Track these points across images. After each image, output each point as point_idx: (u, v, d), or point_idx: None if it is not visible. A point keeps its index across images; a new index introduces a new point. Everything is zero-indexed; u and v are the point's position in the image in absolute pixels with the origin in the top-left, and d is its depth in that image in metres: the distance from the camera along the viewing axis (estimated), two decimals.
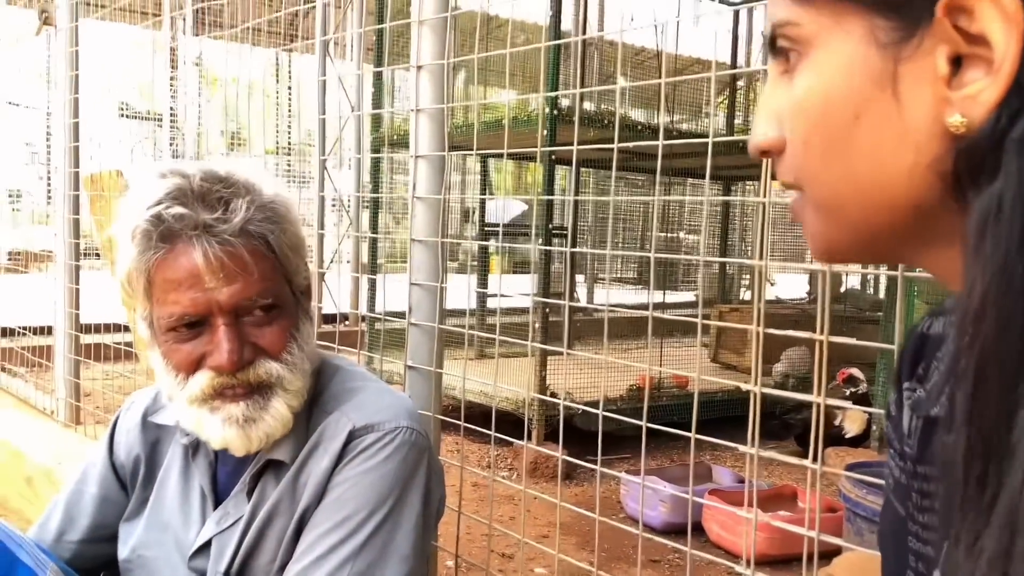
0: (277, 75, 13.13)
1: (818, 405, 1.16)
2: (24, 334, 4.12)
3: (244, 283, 1.10)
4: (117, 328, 3.30)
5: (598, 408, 1.55)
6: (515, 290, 5.98)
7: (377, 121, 4.93)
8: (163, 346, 1.15)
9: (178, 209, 1.09)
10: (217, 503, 1.25)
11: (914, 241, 0.51)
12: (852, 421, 3.97)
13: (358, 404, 1.21)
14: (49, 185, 11.49)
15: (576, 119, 1.76)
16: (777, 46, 0.52)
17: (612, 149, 1.62)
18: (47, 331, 3.75)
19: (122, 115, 11.63)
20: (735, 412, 4.46)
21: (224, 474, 1.27)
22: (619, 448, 3.93)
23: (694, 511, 3.00)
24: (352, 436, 1.16)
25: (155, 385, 1.38)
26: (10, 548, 1.28)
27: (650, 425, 1.36)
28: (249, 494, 1.21)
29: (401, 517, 1.16)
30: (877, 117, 0.47)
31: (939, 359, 0.62)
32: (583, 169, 5.81)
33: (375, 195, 4.95)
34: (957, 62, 0.45)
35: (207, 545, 1.22)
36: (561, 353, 4.10)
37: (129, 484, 1.36)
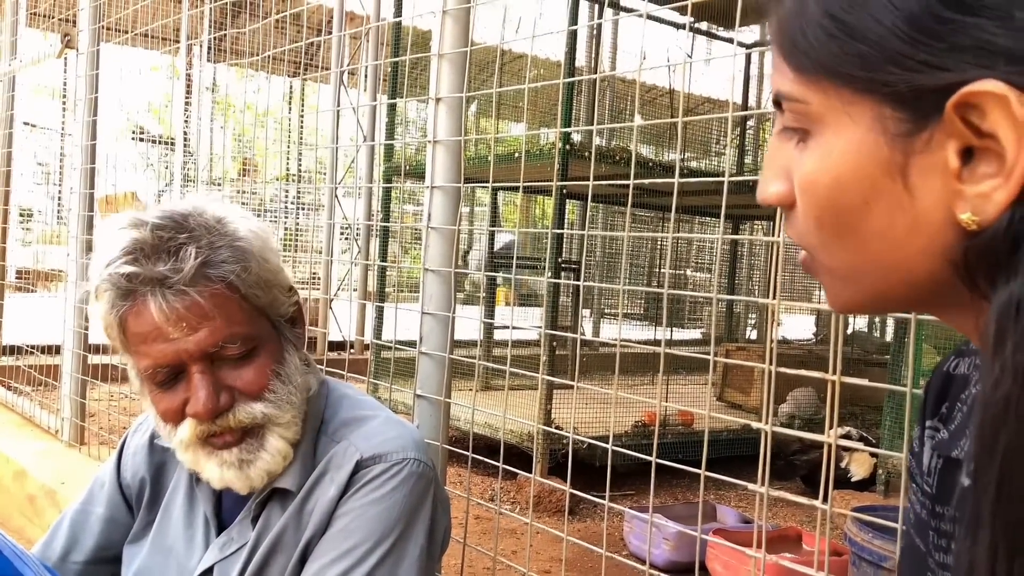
0: (291, 103, 13.28)
1: (829, 445, 1.16)
2: (31, 352, 4.13)
3: (209, 330, 1.09)
4: None
5: (603, 443, 1.55)
6: (521, 323, 5.99)
7: (389, 151, 4.98)
8: (149, 395, 1.16)
9: (128, 268, 1.07)
10: (221, 529, 1.24)
11: (931, 302, 0.52)
12: (858, 464, 3.94)
13: (366, 434, 1.20)
14: (60, 205, 11.58)
15: (592, 154, 1.78)
16: (783, 110, 0.53)
17: (625, 184, 1.63)
18: (54, 350, 3.76)
19: (135, 138, 11.74)
20: (740, 451, 4.44)
21: (229, 500, 1.27)
22: (621, 485, 3.91)
23: (696, 550, 2.98)
24: (359, 466, 1.16)
25: None
26: (16, 566, 1.28)
27: (660, 461, 1.35)
28: (254, 521, 1.21)
29: (406, 549, 1.15)
30: (888, 204, 0.48)
31: (963, 400, 0.62)
32: (592, 204, 5.84)
33: (386, 223, 4.97)
34: (967, 152, 0.45)
35: (209, 571, 1.22)
36: (568, 387, 4.11)
37: (135, 506, 1.35)
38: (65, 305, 3.32)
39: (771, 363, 1.19)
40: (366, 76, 8.21)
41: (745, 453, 4.27)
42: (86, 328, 3.31)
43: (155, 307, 1.07)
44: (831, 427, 1.12)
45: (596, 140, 4.44)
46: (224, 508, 1.27)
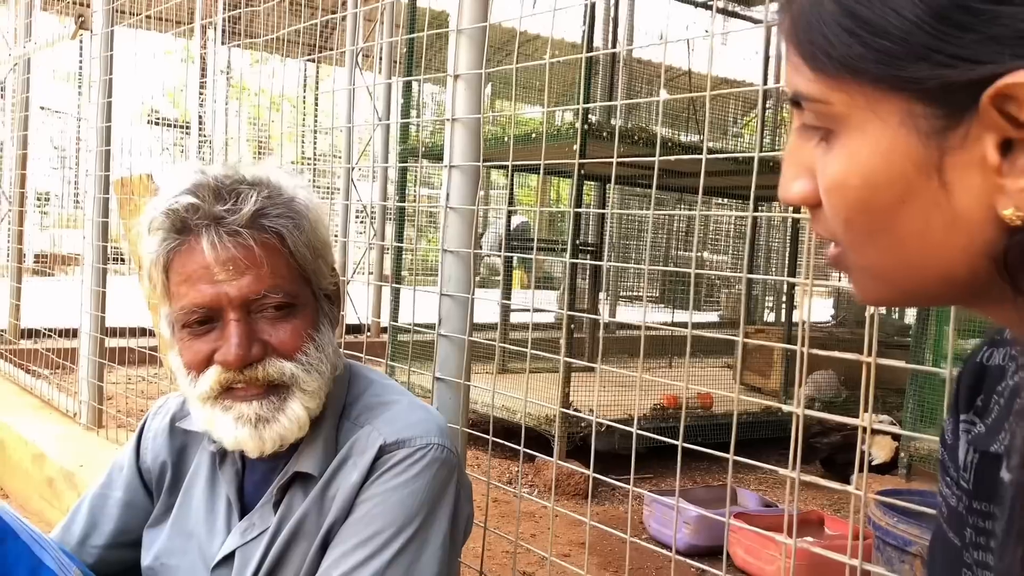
0: (305, 86, 13.24)
1: (863, 429, 1.12)
2: (49, 336, 4.13)
3: (254, 276, 1.09)
4: (142, 332, 3.30)
5: (623, 426, 1.52)
6: (537, 307, 5.95)
7: (405, 134, 4.94)
8: (179, 343, 1.14)
9: (189, 199, 1.09)
10: (243, 513, 1.23)
11: (968, 297, 0.51)
12: (880, 448, 3.90)
13: (390, 418, 1.19)
14: (76, 189, 11.63)
15: (616, 133, 1.73)
16: (802, 109, 0.50)
17: (646, 164, 1.60)
18: (72, 334, 3.76)
19: (151, 122, 11.75)
20: (759, 435, 4.40)
21: (251, 484, 1.25)
22: (639, 468, 3.85)
23: (717, 534, 2.95)
24: (382, 451, 1.14)
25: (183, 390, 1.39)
26: (34, 551, 1.27)
27: (687, 445, 1.32)
28: (276, 506, 1.19)
29: (429, 536, 1.13)
30: (924, 204, 0.46)
31: (999, 393, 0.61)
32: (607, 185, 5.79)
33: (402, 204, 4.94)
34: (1007, 144, 0.43)
35: (231, 556, 1.20)
36: (588, 370, 4.08)
37: (155, 489, 1.34)
38: (82, 288, 3.31)
39: (803, 344, 1.16)
40: (381, 58, 8.16)
41: (763, 436, 4.24)
42: (103, 312, 3.30)
43: (207, 244, 1.07)
44: (865, 410, 1.08)
45: (616, 120, 4.38)
46: (246, 492, 1.26)
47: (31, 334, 4.64)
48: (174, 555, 1.27)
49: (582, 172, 3.69)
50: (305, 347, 1.14)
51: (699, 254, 7.85)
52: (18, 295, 4.68)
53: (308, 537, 1.16)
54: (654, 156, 1.51)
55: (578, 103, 3.59)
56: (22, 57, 4.37)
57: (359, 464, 1.15)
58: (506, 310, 4.86)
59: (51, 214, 11.67)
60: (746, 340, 1.37)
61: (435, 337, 1.78)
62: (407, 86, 4.71)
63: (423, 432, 1.17)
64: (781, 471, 1.18)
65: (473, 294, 1.77)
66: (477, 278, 1.80)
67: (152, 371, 3.27)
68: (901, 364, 1.08)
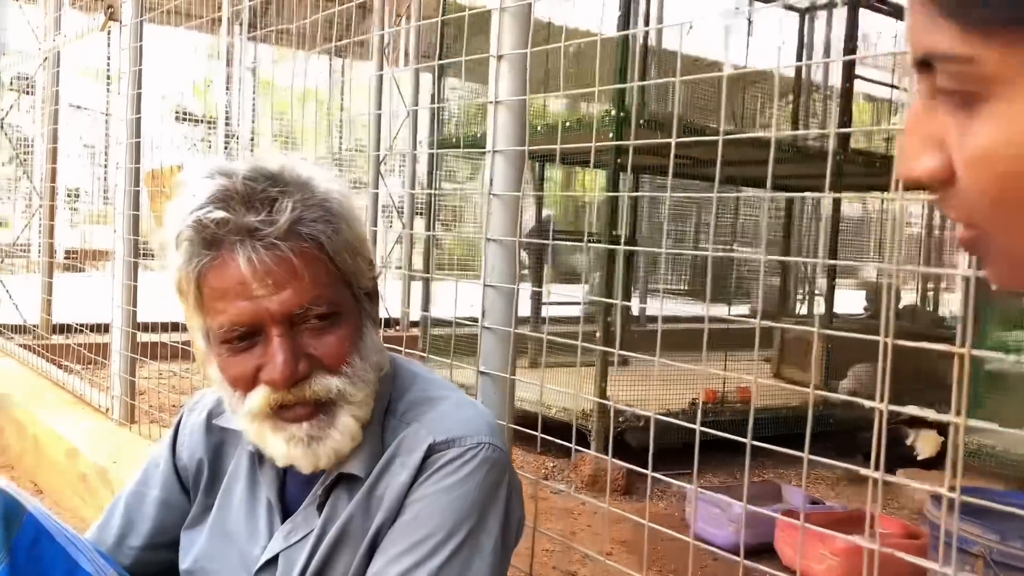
0: (331, 79, 13.21)
1: (955, 425, 1.04)
2: (81, 331, 4.12)
3: (295, 290, 1.02)
4: (174, 327, 3.26)
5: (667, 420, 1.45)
6: (562, 301, 5.88)
7: (438, 125, 4.87)
8: (218, 359, 1.08)
9: (219, 213, 1.00)
10: (285, 515, 1.17)
11: None
12: (925, 442, 3.79)
13: (438, 416, 1.12)
14: (106, 184, 11.68)
15: (674, 121, 1.64)
16: (931, 72, 0.43)
17: (675, 151, 1.52)
18: (103, 329, 3.74)
19: (178, 118, 11.80)
20: (799, 429, 4.29)
21: (293, 485, 1.20)
22: (675, 464, 3.78)
23: (763, 532, 2.86)
24: (431, 450, 1.08)
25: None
26: (70, 553, 1.22)
27: (755, 443, 1.25)
28: (320, 508, 1.13)
29: (480, 540, 1.07)
30: None
31: None
32: (631, 176, 5.69)
33: (431, 191, 4.88)
34: None
35: (274, 560, 1.15)
36: (622, 363, 4.00)
37: (191, 488, 1.29)
38: (113, 282, 3.28)
39: (887, 335, 1.08)
40: (406, 53, 8.11)
41: (802, 431, 4.12)
42: (134, 306, 3.27)
43: (243, 259, 0.99)
44: (958, 406, 1.00)
45: (650, 108, 4.28)
46: (288, 494, 1.20)
47: (63, 329, 4.63)
48: (214, 559, 1.22)
49: (618, 162, 3.61)
50: (351, 358, 1.08)
51: (728, 246, 7.73)
52: (49, 290, 4.67)
53: (354, 540, 1.11)
54: (684, 145, 1.44)
55: (612, 92, 3.50)
56: (52, 51, 4.36)
57: (407, 464, 1.09)
58: (537, 303, 4.79)
59: (81, 210, 11.74)
60: (825, 331, 1.29)
61: (479, 330, 1.72)
62: (439, 73, 4.64)
63: (473, 430, 1.11)
64: (863, 471, 1.10)
65: (518, 284, 1.70)
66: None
67: (184, 366, 3.23)
68: (998, 355, 1.00)
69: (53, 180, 4.86)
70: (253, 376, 1.04)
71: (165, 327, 3.27)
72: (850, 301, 10.44)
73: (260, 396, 1.04)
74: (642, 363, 3.72)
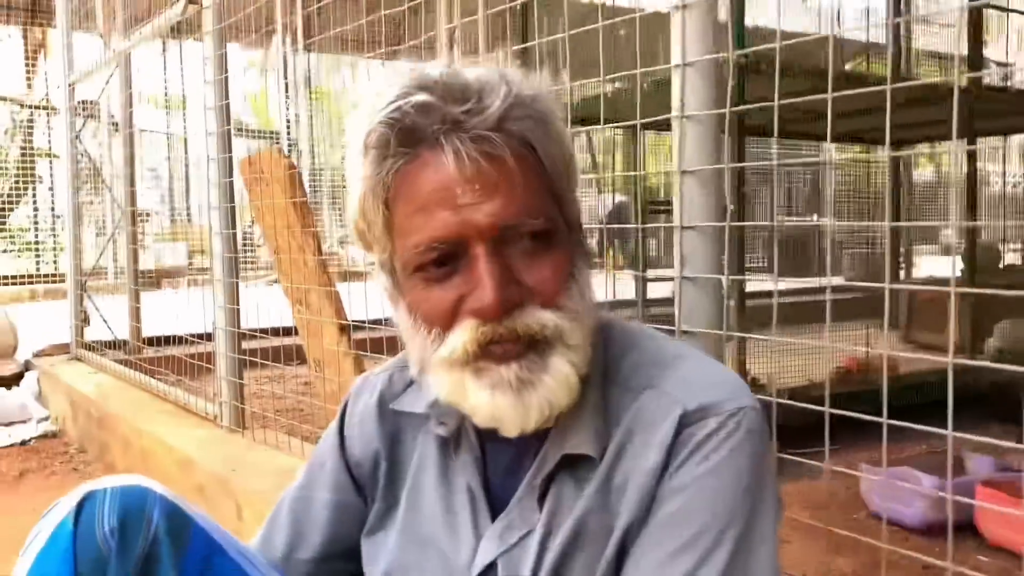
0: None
1: None
2: (187, 341, 3.95)
3: (507, 197, 0.82)
4: (274, 332, 3.05)
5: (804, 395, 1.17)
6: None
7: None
8: (410, 294, 0.86)
9: (422, 97, 0.82)
10: (493, 511, 0.93)
11: None
12: None
13: (680, 380, 0.88)
14: (173, 203, 11.74)
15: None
16: None
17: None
18: (198, 339, 3.59)
19: (238, 132, 11.78)
20: (935, 397, 3.94)
21: (496, 474, 0.95)
22: (822, 439, 3.48)
23: (962, 507, 2.52)
24: (684, 423, 0.85)
25: (390, 363, 1.08)
26: (247, 571, 1.01)
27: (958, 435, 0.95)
28: (540, 500, 0.89)
29: (761, 525, 0.84)
30: None
31: None
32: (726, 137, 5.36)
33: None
34: None
35: (491, 566, 0.91)
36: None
37: (367, 487, 1.06)
38: (214, 281, 3.09)
39: None
40: (481, 31, 7.85)
41: (940, 399, 3.78)
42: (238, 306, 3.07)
43: (450, 155, 0.81)
44: None
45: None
46: (492, 484, 0.95)
47: (156, 342, 4.50)
48: (409, 568, 0.98)
49: (742, 121, 3.29)
50: (568, 289, 0.85)
51: (809, 217, 7.32)
52: (137, 297, 4.56)
53: (594, 541, 0.86)
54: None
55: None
56: (122, 55, 4.21)
57: (652, 442, 0.85)
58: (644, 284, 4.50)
59: (149, 233, 11.80)
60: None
61: (676, 332, 1.45)
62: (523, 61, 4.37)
63: (730, 393, 0.87)
64: None
65: (727, 275, 1.42)
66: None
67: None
68: None
69: (133, 203, 4.74)
70: (454, 309, 0.84)
71: (265, 332, 3.05)
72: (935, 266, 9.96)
73: (465, 331, 0.83)
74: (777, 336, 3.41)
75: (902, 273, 8.01)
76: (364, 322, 2.35)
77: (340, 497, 1.07)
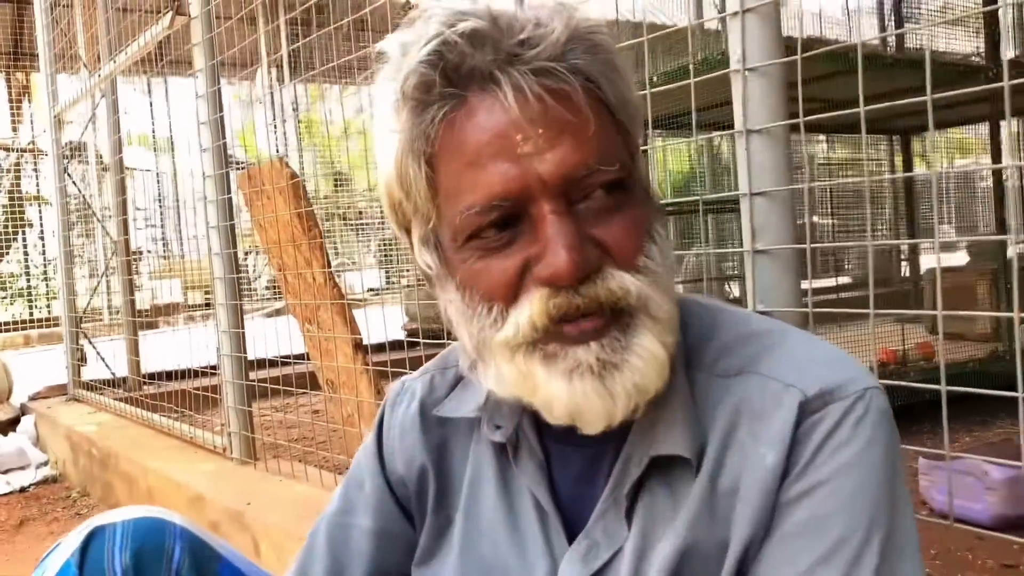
0: (371, 113, 13.05)
1: None
2: (185, 375, 3.78)
3: (578, 142, 0.67)
4: (273, 364, 2.87)
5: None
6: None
7: None
8: (462, 269, 0.71)
9: (469, 24, 0.67)
10: (567, 528, 0.78)
11: None
12: None
13: (786, 360, 0.74)
14: (165, 242, 11.58)
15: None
16: None
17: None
18: (201, 374, 3.42)
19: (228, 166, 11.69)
20: (976, 385, 3.79)
21: (566, 483, 0.80)
22: None
23: None
24: (806, 411, 0.71)
25: (428, 365, 0.96)
26: None
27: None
28: (628, 513, 0.75)
29: (904, 522, 0.70)
30: None
31: None
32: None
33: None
34: None
35: None
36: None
37: (415, 508, 0.90)
38: (216, 305, 2.92)
39: None
40: None
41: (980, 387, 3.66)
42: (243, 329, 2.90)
43: (509, 92, 0.66)
44: None
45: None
46: (561, 495, 0.80)
47: (155, 378, 4.33)
48: None
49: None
50: (648, 249, 0.70)
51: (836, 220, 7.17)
52: (135, 330, 4.39)
53: (703, 560, 0.71)
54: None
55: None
56: (108, 77, 4.06)
57: (765, 436, 0.71)
58: None
59: (143, 272, 11.68)
60: None
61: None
62: None
63: (851, 372, 0.73)
64: None
65: (810, 248, 1.26)
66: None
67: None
68: None
69: (126, 231, 4.60)
70: (518, 278, 0.69)
71: (264, 364, 2.87)
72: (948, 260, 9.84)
73: (534, 303, 0.68)
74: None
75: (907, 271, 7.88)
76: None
77: (384, 524, 0.92)
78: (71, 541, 0.83)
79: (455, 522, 0.87)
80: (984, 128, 4.88)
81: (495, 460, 0.84)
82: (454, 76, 0.68)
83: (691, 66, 1.45)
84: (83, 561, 0.81)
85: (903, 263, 7.81)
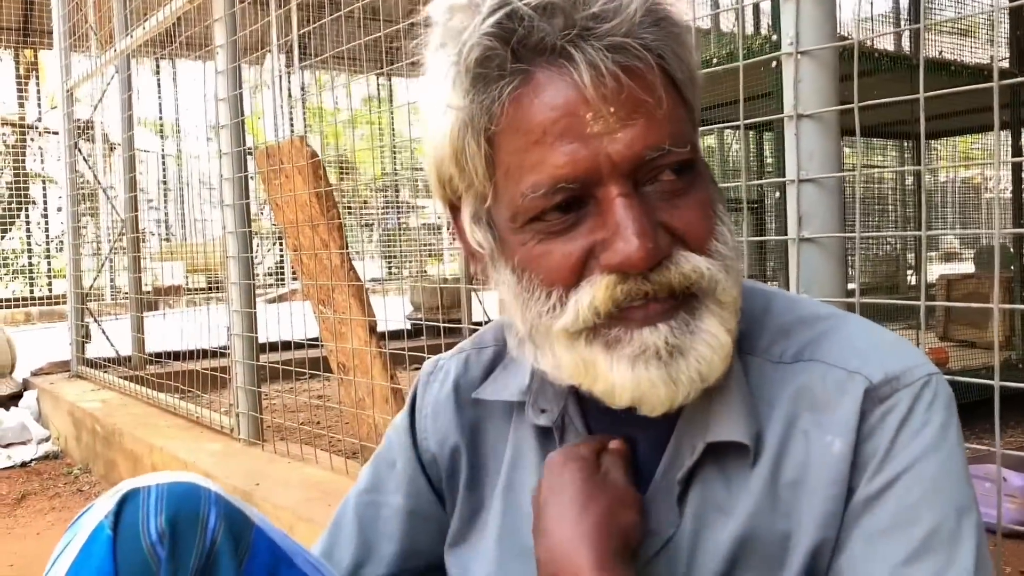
0: (379, 102, 13.00)
1: None
2: (189, 356, 3.75)
3: (650, 121, 0.64)
4: (284, 346, 2.85)
5: None
6: None
7: None
8: (520, 251, 0.67)
9: None
10: None
11: None
12: None
13: (846, 345, 0.72)
14: (168, 225, 11.56)
15: None
16: None
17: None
18: (210, 355, 3.40)
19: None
20: (989, 393, 3.77)
21: None
22: None
23: None
24: (872, 398, 0.69)
25: (464, 344, 0.93)
26: None
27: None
28: (680, 500, 0.73)
29: (976, 506, 0.68)
30: None
31: None
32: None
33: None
34: None
35: None
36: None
37: (447, 488, 0.88)
38: (228, 285, 2.89)
39: None
40: None
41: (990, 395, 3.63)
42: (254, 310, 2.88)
43: (583, 68, 0.63)
44: None
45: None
46: None
47: (159, 357, 4.30)
48: None
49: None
50: (719, 232, 0.69)
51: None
52: (140, 307, 4.36)
53: (766, 554, 0.69)
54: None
55: None
56: (123, 52, 4.03)
57: (829, 425, 0.69)
58: None
59: (145, 255, 11.68)
60: None
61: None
62: None
63: (913, 358, 0.71)
64: None
65: (859, 235, 1.23)
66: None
67: (299, 383, 2.79)
68: None
69: (135, 209, 4.56)
70: (581, 264, 0.66)
71: (275, 347, 2.84)
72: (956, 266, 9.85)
73: (599, 288, 0.66)
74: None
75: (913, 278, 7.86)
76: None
77: (416, 503, 0.90)
78: (104, 503, 0.80)
79: (490, 505, 0.84)
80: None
81: (538, 444, 0.81)
82: (521, 50, 0.64)
83: (740, 53, 1.41)
84: (117, 525, 0.78)
85: (909, 273, 7.81)
